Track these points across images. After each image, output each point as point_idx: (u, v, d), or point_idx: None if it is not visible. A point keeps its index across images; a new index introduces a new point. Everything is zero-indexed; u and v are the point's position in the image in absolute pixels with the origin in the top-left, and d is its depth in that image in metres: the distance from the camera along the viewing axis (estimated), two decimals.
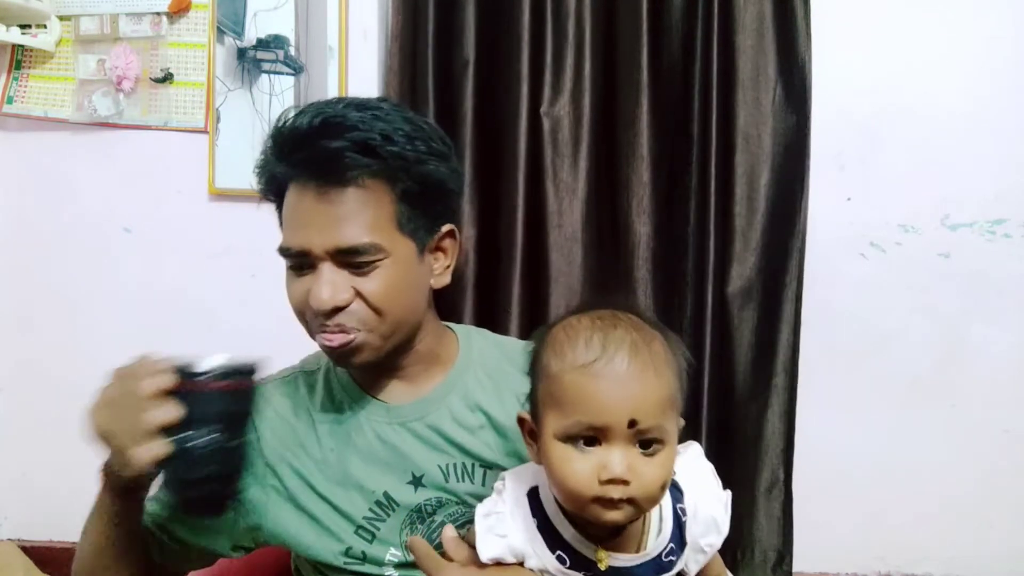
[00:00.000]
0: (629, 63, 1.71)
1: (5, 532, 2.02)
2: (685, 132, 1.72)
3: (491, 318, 1.74)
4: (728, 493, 0.79)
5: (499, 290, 1.74)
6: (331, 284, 0.86)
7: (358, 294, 0.87)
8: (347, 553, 0.93)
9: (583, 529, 0.72)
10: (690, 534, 0.75)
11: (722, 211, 1.72)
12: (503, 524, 0.73)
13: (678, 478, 0.76)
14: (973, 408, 1.80)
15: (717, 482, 0.80)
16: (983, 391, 1.80)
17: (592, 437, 0.67)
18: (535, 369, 0.74)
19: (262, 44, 1.82)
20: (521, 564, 0.73)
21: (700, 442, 1.82)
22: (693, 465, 0.80)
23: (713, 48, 1.68)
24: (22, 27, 1.83)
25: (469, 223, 1.76)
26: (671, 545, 0.74)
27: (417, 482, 0.94)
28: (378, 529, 0.93)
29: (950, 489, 1.82)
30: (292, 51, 1.82)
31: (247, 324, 1.89)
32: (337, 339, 0.87)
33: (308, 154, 0.86)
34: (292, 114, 0.90)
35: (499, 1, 1.73)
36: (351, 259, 0.86)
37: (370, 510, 0.93)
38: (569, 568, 0.71)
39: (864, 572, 1.86)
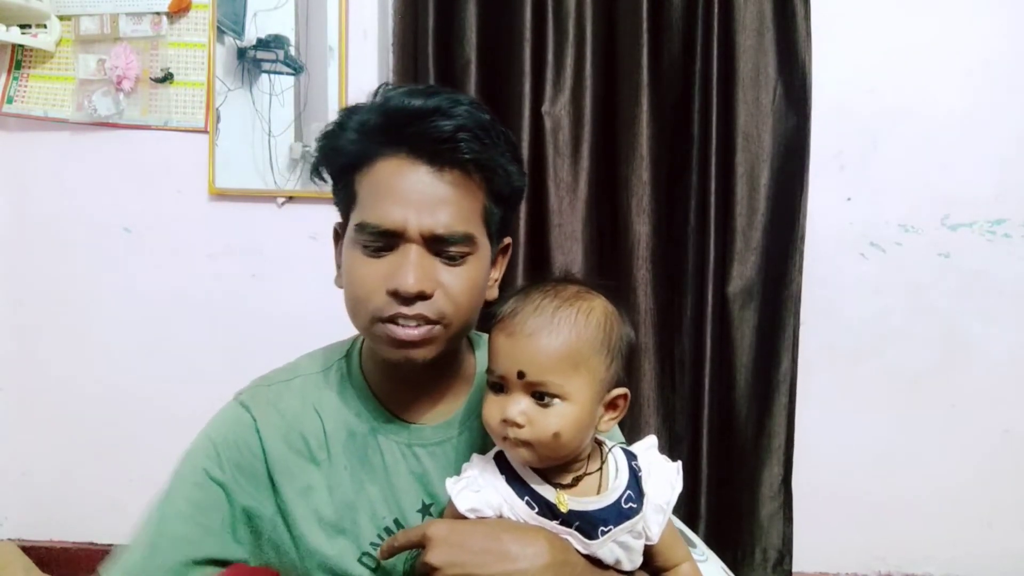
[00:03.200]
0: (629, 63, 1.71)
1: (5, 532, 2.02)
2: (685, 132, 1.72)
3: (491, 317, 1.73)
4: (679, 462, 0.86)
5: (499, 289, 1.74)
6: (421, 268, 0.81)
7: (440, 285, 0.82)
8: None
9: (545, 477, 0.80)
10: (647, 487, 0.82)
11: (722, 211, 1.72)
12: (475, 483, 0.81)
13: (632, 448, 0.86)
14: (973, 408, 1.80)
15: (667, 459, 0.88)
16: (983, 391, 1.80)
17: (499, 384, 0.78)
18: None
19: (262, 44, 1.82)
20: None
21: (701, 442, 1.83)
22: (644, 446, 0.87)
23: (713, 48, 1.68)
24: (22, 27, 1.83)
25: None
26: (629, 492, 0.80)
27: (426, 510, 0.90)
28: (396, 557, 0.87)
29: (950, 489, 1.82)
30: (292, 51, 1.82)
31: (247, 324, 1.90)
32: (419, 331, 0.81)
33: (422, 131, 0.81)
34: (391, 91, 0.86)
35: (500, 1, 1.73)
36: (443, 247, 0.82)
37: (379, 536, 0.88)
38: (538, 514, 0.79)
39: (864, 572, 1.86)
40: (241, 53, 1.83)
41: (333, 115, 1.79)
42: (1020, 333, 1.78)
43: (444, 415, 0.92)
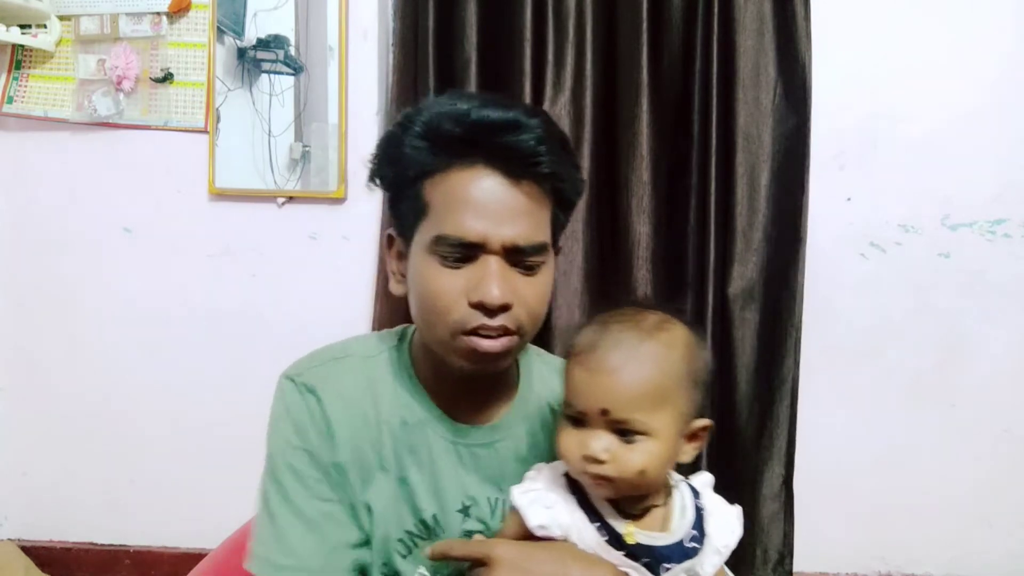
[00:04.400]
0: (629, 63, 1.71)
1: (5, 532, 2.02)
2: (685, 132, 1.72)
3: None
4: (739, 507, 0.84)
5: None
6: (504, 280, 0.81)
7: (519, 296, 0.82)
8: (385, 565, 0.89)
9: (616, 506, 0.78)
10: (709, 527, 0.80)
11: (723, 211, 1.72)
12: (545, 497, 0.78)
13: (694, 484, 0.83)
14: (973, 408, 1.80)
15: (724, 501, 0.86)
16: (983, 391, 1.80)
17: (579, 419, 0.76)
18: (564, 354, 0.82)
19: (262, 44, 1.82)
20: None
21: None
22: (702, 482, 0.85)
23: (713, 48, 1.68)
24: (22, 27, 1.83)
25: None
26: (694, 532, 0.78)
27: (465, 512, 0.90)
28: (415, 546, 0.89)
29: (950, 489, 1.82)
30: (292, 51, 1.82)
31: (247, 324, 1.90)
32: (501, 342, 0.82)
33: (504, 144, 0.81)
34: (459, 101, 0.84)
35: (500, 1, 1.73)
36: (521, 258, 0.82)
37: (415, 526, 0.89)
38: (607, 543, 0.76)
39: (864, 572, 1.86)
40: (241, 53, 1.83)
41: (333, 115, 1.81)
42: (1020, 333, 1.78)
43: (490, 418, 0.92)
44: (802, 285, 1.73)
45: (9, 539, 2.00)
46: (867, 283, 1.79)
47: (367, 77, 1.82)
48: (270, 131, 1.83)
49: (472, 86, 1.73)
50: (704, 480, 0.86)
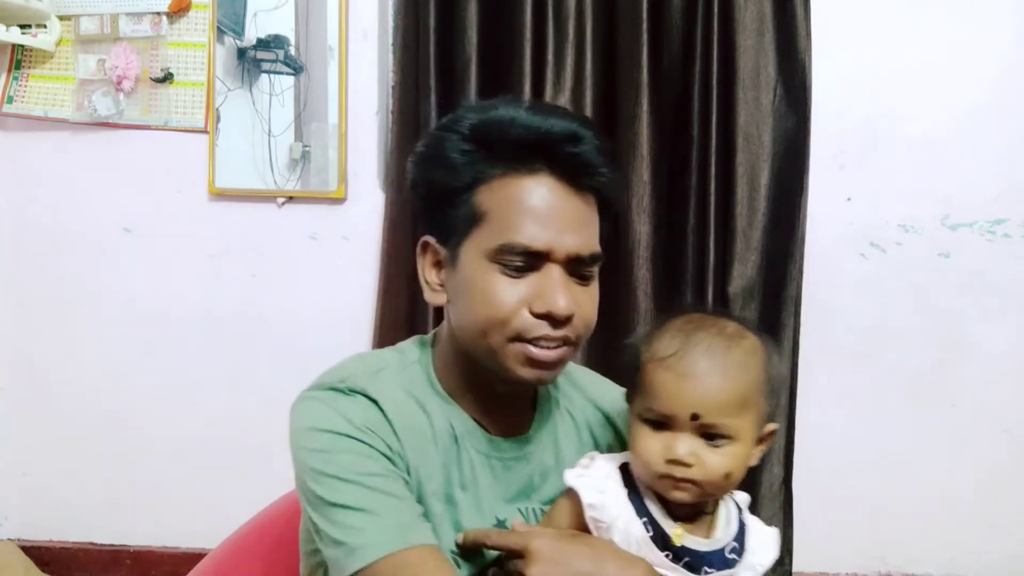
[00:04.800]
0: (629, 63, 1.71)
1: (5, 532, 2.02)
2: (685, 132, 1.72)
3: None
4: (776, 529, 0.86)
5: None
6: (569, 290, 0.80)
7: (579, 307, 0.81)
8: None
9: (666, 506, 0.79)
10: (749, 543, 0.81)
11: (722, 211, 1.72)
12: (600, 483, 0.80)
13: (737, 499, 0.85)
14: (973, 408, 1.80)
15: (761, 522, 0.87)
16: (983, 391, 1.80)
17: (662, 422, 0.76)
18: (633, 358, 0.82)
19: (262, 44, 1.82)
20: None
21: None
22: (741, 500, 0.86)
23: (713, 48, 1.69)
24: (22, 27, 1.83)
25: None
26: (735, 544, 0.80)
27: (501, 525, 0.86)
28: (458, 566, 0.83)
29: (950, 489, 1.82)
30: (292, 51, 1.82)
31: (246, 324, 1.90)
32: (558, 352, 0.81)
33: (567, 154, 0.81)
34: (511, 108, 0.83)
35: (500, 0, 1.73)
36: (581, 268, 0.82)
37: (458, 544, 0.84)
38: (651, 539, 0.77)
39: (864, 572, 1.86)
40: (241, 53, 1.83)
41: (333, 115, 1.81)
42: (1020, 333, 1.78)
43: (518, 429, 0.91)
44: (802, 285, 1.73)
45: (9, 539, 2.00)
46: (867, 283, 1.79)
47: (367, 77, 1.82)
48: (270, 131, 1.83)
49: (472, 86, 1.73)
50: (743, 498, 0.87)
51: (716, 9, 1.68)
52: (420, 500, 0.82)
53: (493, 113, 0.83)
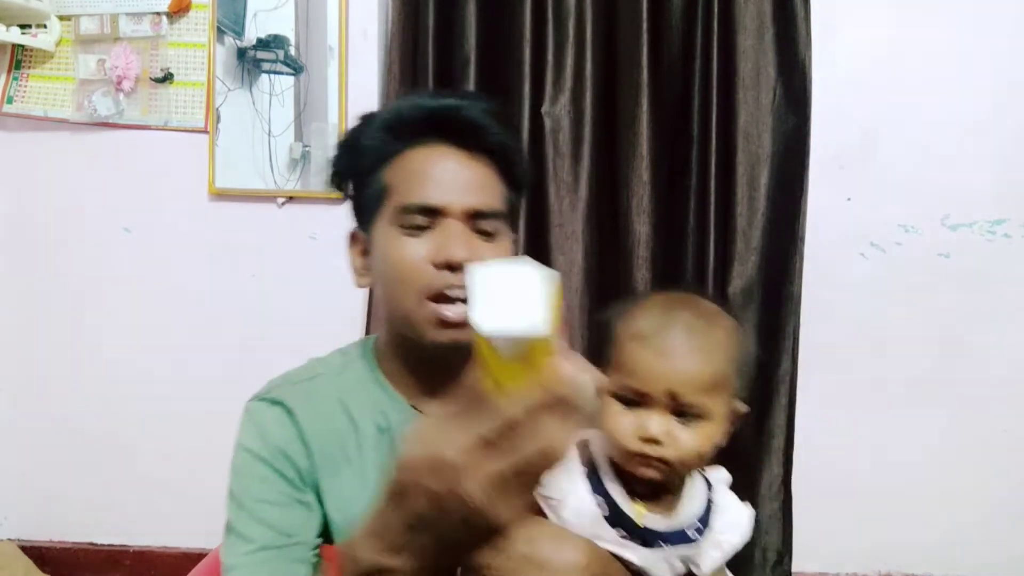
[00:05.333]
0: (629, 63, 1.71)
1: (5, 532, 2.02)
2: (685, 132, 1.72)
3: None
4: (751, 511, 0.85)
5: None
6: (467, 239, 0.85)
7: (482, 259, 0.83)
8: None
9: (626, 484, 0.78)
10: (715, 521, 0.80)
11: (722, 211, 1.72)
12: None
13: (710, 477, 0.84)
14: (973, 408, 1.80)
15: (738, 500, 0.87)
16: (983, 391, 1.80)
17: (636, 400, 0.76)
18: (609, 334, 0.81)
19: (262, 44, 1.82)
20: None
21: None
22: (717, 478, 0.86)
23: (713, 48, 1.68)
24: (22, 27, 1.83)
25: None
26: (698, 524, 0.79)
27: None
28: None
29: (950, 489, 1.82)
30: (292, 51, 1.82)
31: (247, 324, 1.90)
32: (464, 310, 0.81)
33: (454, 119, 0.89)
34: (415, 95, 0.95)
35: (500, 1, 1.73)
36: (482, 224, 0.87)
37: None
38: (604, 517, 0.77)
39: (864, 572, 1.86)
40: (241, 53, 1.83)
41: (333, 115, 1.81)
42: (1020, 333, 1.78)
43: None
44: (801, 285, 1.73)
45: (9, 539, 2.00)
46: (867, 283, 1.79)
47: (367, 77, 1.82)
48: (270, 131, 1.83)
49: (472, 86, 1.73)
50: (720, 476, 0.86)
51: (716, 9, 1.68)
52: (339, 507, 0.86)
53: (399, 103, 0.94)
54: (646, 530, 0.76)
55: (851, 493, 1.84)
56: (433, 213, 0.86)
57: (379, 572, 0.63)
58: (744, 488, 1.75)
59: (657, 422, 0.75)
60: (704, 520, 0.80)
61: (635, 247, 1.73)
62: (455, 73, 1.74)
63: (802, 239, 1.72)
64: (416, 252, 0.85)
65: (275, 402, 0.90)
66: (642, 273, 1.73)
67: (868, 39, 1.75)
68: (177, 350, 1.92)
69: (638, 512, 0.77)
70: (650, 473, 0.76)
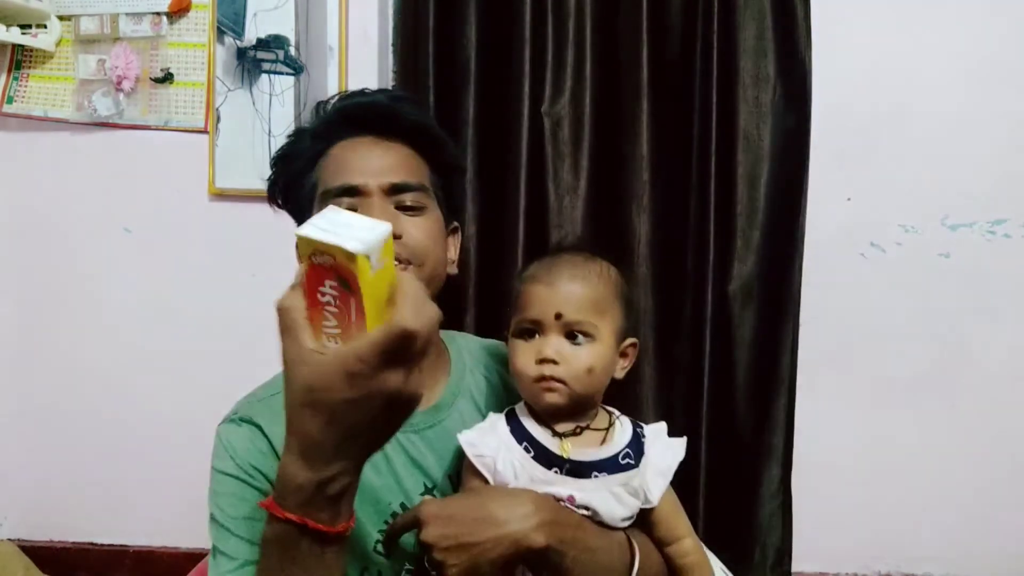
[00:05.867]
0: (629, 63, 1.71)
1: (5, 532, 2.02)
2: (685, 132, 1.72)
3: (492, 317, 1.74)
4: (684, 437, 0.94)
5: (500, 289, 1.74)
6: (384, 211, 0.90)
7: (404, 231, 0.91)
8: (364, 573, 0.90)
9: (550, 428, 0.88)
10: (649, 449, 0.90)
11: (722, 211, 1.72)
12: (481, 427, 0.90)
13: (643, 424, 0.94)
14: (973, 408, 1.80)
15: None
16: (983, 391, 1.79)
17: (532, 330, 0.88)
18: (513, 289, 0.94)
19: (262, 44, 1.82)
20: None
21: (700, 441, 1.83)
22: (655, 427, 0.94)
23: (713, 48, 1.68)
24: (22, 27, 1.83)
25: (470, 221, 1.76)
26: (628, 450, 0.88)
27: (430, 492, 0.92)
28: (402, 539, 0.89)
29: (950, 489, 1.82)
30: (292, 51, 1.82)
31: (246, 324, 1.90)
32: None
33: (366, 110, 0.97)
34: (340, 99, 1.02)
35: (500, 1, 1.73)
36: (402, 197, 0.93)
37: (385, 523, 0.90)
38: (533, 458, 0.86)
39: (864, 572, 1.86)
40: (241, 53, 1.83)
41: None
42: (1020, 333, 1.78)
43: (429, 400, 0.96)
44: (801, 284, 1.73)
45: (9, 539, 2.00)
46: (867, 283, 1.79)
47: (367, 77, 1.81)
48: (270, 131, 1.83)
49: (471, 86, 1.73)
50: (656, 426, 0.94)
51: (716, 9, 1.67)
52: None
53: (319, 109, 1.02)
54: (576, 462, 0.85)
55: (851, 493, 1.84)
56: (354, 193, 0.92)
57: (320, 485, 0.65)
58: (744, 488, 1.75)
59: (550, 345, 0.86)
60: (636, 449, 0.88)
61: (635, 247, 1.73)
62: (455, 73, 1.74)
63: (802, 239, 1.72)
64: None
65: (243, 420, 0.92)
66: (642, 272, 1.73)
67: (868, 39, 1.75)
68: (176, 350, 1.92)
69: (562, 447, 0.86)
70: (553, 397, 0.85)
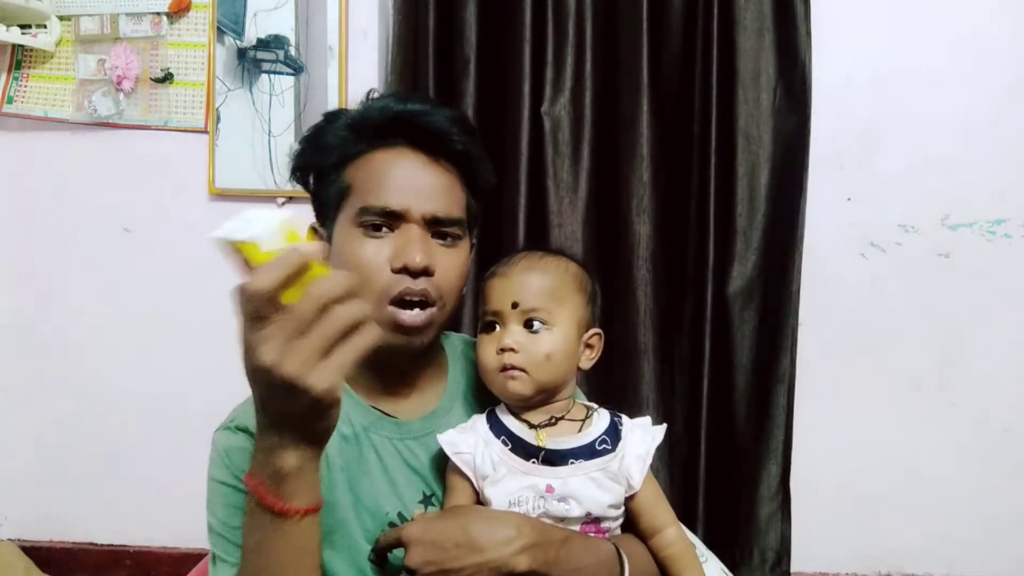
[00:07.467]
0: (629, 63, 1.71)
1: (5, 532, 2.02)
2: (685, 132, 1.72)
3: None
4: (664, 425, 0.95)
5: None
6: (425, 245, 0.87)
7: (439, 265, 0.88)
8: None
9: (526, 422, 0.90)
10: (626, 435, 0.91)
11: (722, 211, 1.72)
12: (461, 428, 0.91)
13: (623, 417, 0.95)
14: (973, 408, 1.80)
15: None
16: (983, 391, 1.80)
17: (494, 323, 0.90)
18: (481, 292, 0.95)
19: (262, 44, 1.82)
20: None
21: (699, 442, 1.83)
22: (638, 420, 0.95)
23: (713, 48, 1.68)
24: (22, 27, 1.83)
25: None
26: (604, 437, 0.89)
27: (427, 501, 0.91)
28: (392, 553, 0.87)
29: (950, 489, 1.82)
30: (292, 51, 1.82)
31: None
32: (422, 315, 0.87)
33: (419, 124, 0.90)
34: (383, 99, 0.95)
35: (500, 1, 1.73)
36: (441, 229, 0.90)
37: (382, 532, 0.88)
38: (511, 451, 0.87)
39: (864, 572, 1.86)
40: (241, 53, 1.83)
41: None
42: (1020, 333, 1.78)
43: (427, 407, 0.96)
44: (801, 285, 1.73)
45: (9, 539, 2.00)
46: (867, 283, 1.79)
47: (367, 77, 1.82)
48: (270, 131, 1.83)
49: (471, 86, 1.73)
50: (639, 418, 0.95)
51: (716, 9, 1.68)
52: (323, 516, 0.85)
53: (367, 104, 0.95)
54: (551, 450, 0.87)
55: (850, 493, 1.84)
56: (394, 217, 0.87)
57: (265, 454, 0.68)
58: (743, 488, 1.75)
59: (509, 334, 0.87)
60: (613, 435, 0.90)
61: (635, 247, 1.73)
62: (455, 73, 1.74)
63: (802, 239, 1.72)
64: (376, 254, 0.86)
65: (238, 428, 0.90)
66: (642, 273, 1.73)
67: (868, 39, 1.76)
68: (176, 350, 1.92)
69: (538, 436, 0.87)
70: (515, 385, 0.87)
